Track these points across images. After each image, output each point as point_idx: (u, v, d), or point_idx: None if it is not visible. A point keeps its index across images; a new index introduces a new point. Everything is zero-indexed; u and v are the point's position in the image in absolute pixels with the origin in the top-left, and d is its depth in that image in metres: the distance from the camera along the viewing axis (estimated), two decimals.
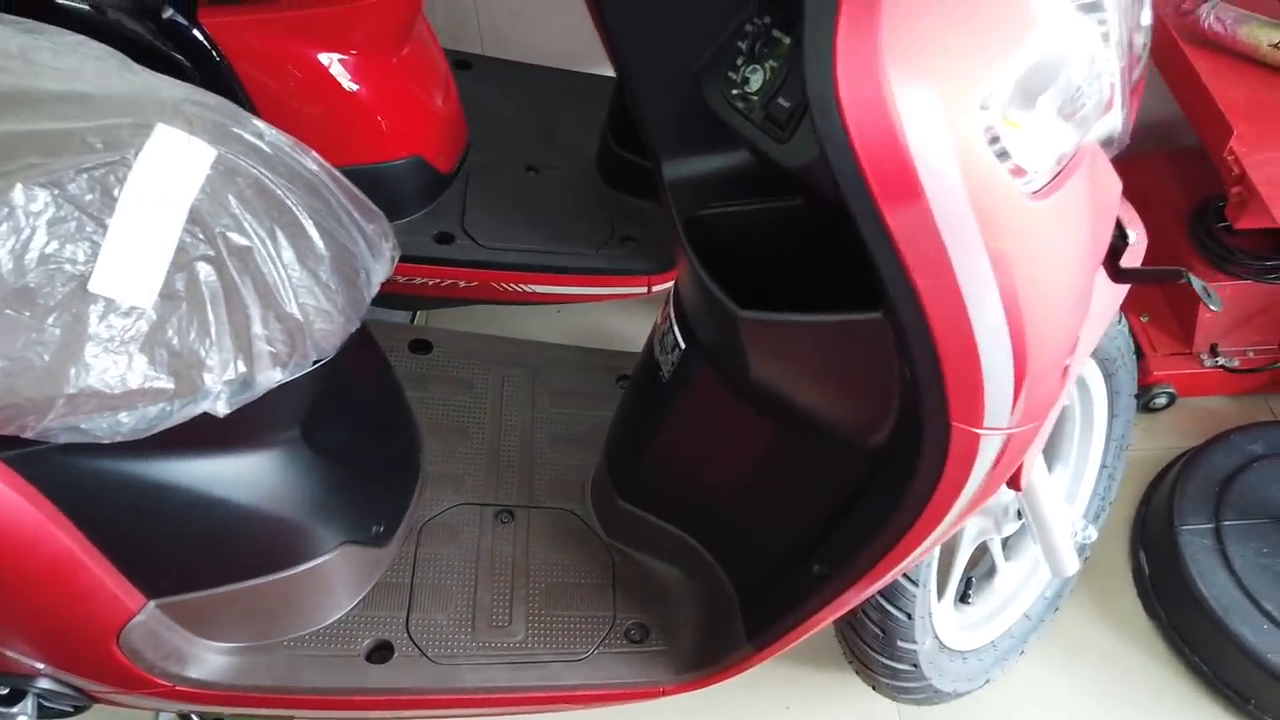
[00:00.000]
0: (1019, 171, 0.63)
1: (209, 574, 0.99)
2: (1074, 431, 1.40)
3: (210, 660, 1.03)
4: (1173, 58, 1.60)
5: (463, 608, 1.12)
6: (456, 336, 1.41)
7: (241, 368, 0.85)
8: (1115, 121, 0.73)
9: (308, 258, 0.87)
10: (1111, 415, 1.39)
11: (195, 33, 1.26)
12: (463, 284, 1.51)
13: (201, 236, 0.81)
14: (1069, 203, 0.68)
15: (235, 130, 0.85)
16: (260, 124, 0.88)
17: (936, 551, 1.19)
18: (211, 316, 0.82)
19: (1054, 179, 0.67)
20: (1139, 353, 1.76)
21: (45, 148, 0.77)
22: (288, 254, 0.85)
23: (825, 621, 1.01)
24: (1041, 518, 1.20)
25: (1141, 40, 0.75)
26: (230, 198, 0.82)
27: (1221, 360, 1.72)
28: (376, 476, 1.13)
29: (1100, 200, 0.75)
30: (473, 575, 1.15)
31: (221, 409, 0.85)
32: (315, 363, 0.91)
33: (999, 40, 0.60)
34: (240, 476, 0.96)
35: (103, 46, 0.91)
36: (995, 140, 0.61)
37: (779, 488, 0.99)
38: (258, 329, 0.85)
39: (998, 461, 0.78)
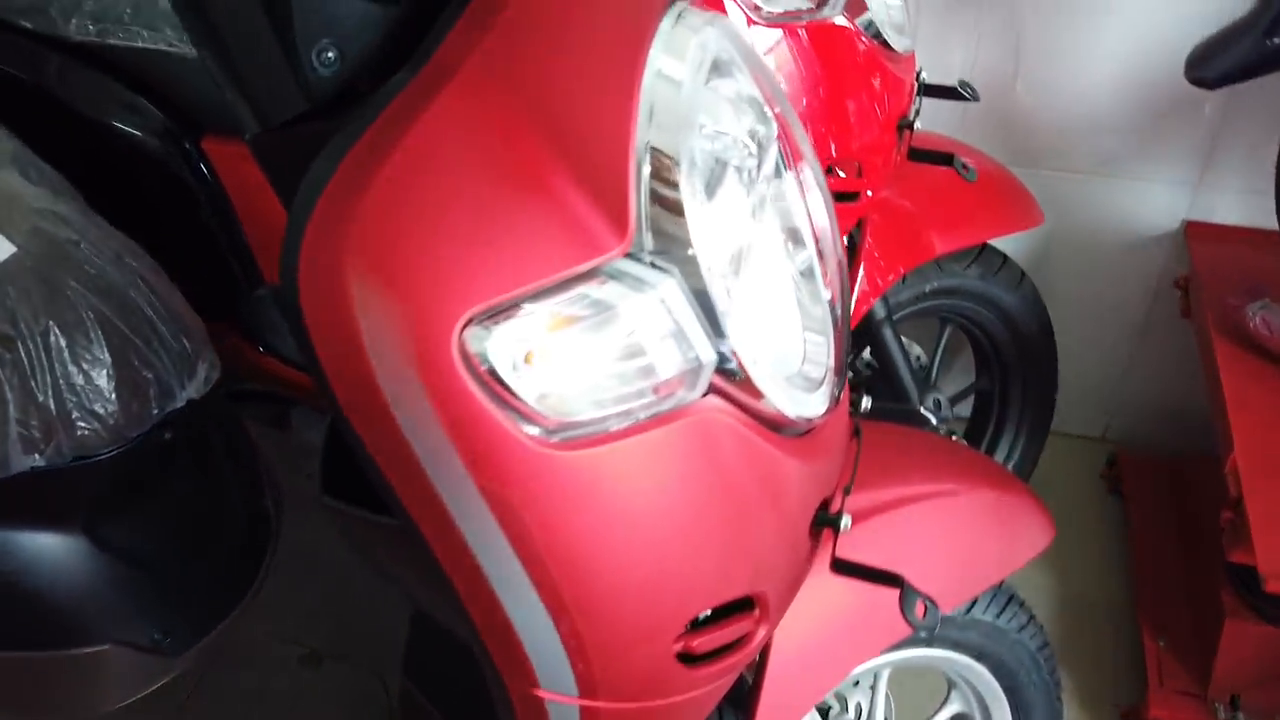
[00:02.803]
0: (539, 416, 0.58)
1: None
2: None
3: None
4: (1206, 355, 1.42)
5: None
6: None
7: None
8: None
9: (83, 359, 0.93)
10: None
11: (201, 162, 1.41)
12: None
13: None
14: (640, 462, 0.61)
15: (53, 232, 0.94)
16: (95, 230, 0.97)
17: None
18: None
19: (618, 431, 0.61)
20: (1145, 681, 1.51)
21: None
22: (61, 353, 0.92)
23: None
24: None
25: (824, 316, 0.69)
26: (10, 290, 0.90)
27: (1241, 716, 1.44)
28: (179, 586, 1.15)
29: (751, 472, 0.67)
30: (242, 715, 1.13)
31: None
32: (81, 459, 0.96)
33: (507, 271, 0.56)
34: (26, 551, 1.01)
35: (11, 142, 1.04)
36: (494, 373, 0.57)
37: None
38: (13, 412, 0.91)
39: None
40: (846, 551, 0.83)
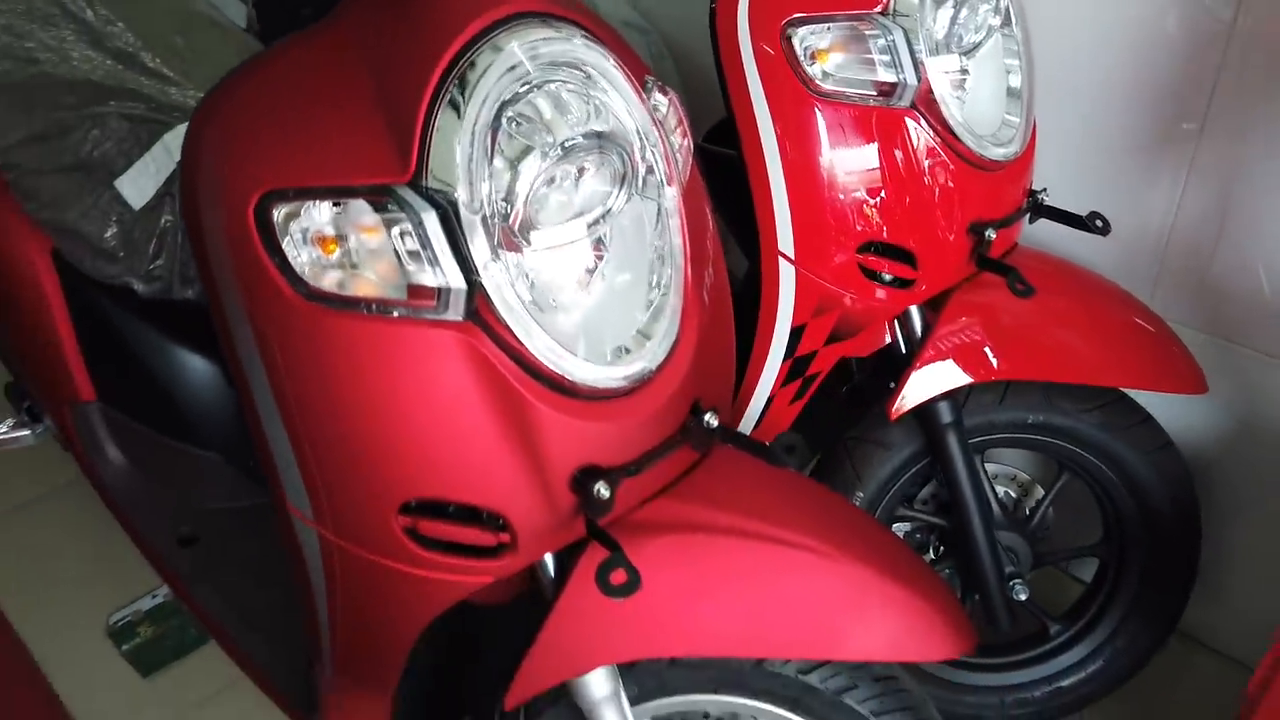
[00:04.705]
0: (305, 280, 0.77)
1: (134, 411, 1.43)
2: None
3: (116, 472, 1.47)
4: None
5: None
6: None
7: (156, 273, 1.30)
8: None
9: None
10: None
11: None
12: None
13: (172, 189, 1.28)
14: (382, 346, 0.77)
15: None
16: None
17: None
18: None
19: (374, 316, 0.77)
20: None
21: (149, 96, 1.32)
22: None
23: None
24: None
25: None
26: None
27: None
28: None
29: (488, 400, 0.79)
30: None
31: (142, 288, 1.30)
32: None
33: (312, 170, 0.76)
34: (171, 356, 1.39)
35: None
36: (277, 237, 0.77)
37: None
38: (180, 255, 1.28)
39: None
40: (647, 551, 0.90)
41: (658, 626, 0.93)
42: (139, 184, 1.28)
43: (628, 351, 0.86)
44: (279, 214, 0.78)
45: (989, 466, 1.58)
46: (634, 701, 1.03)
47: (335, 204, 0.77)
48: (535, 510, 0.86)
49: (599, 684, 0.97)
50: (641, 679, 1.04)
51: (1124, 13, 1.43)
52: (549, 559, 0.94)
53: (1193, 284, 1.53)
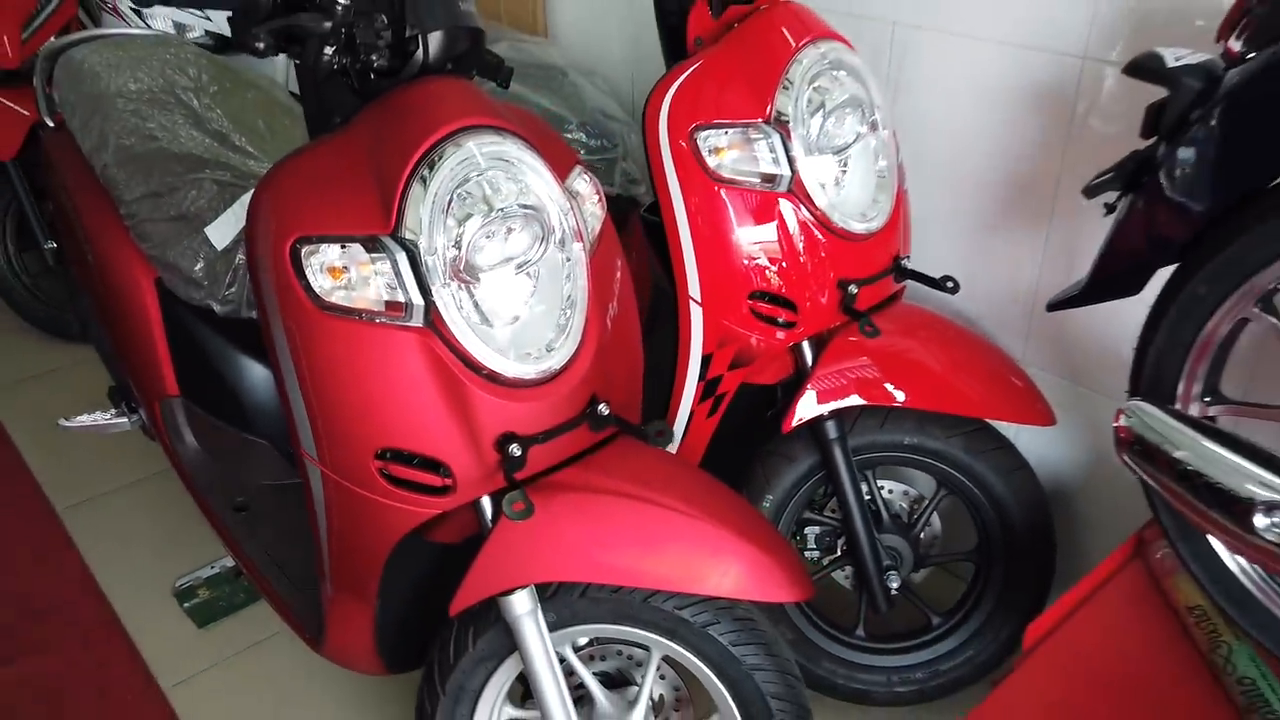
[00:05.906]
0: (319, 295, 1.17)
1: (207, 405, 1.85)
2: None
3: (190, 452, 1.89)
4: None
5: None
6: None
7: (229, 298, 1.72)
8: None
9: None
10: None
11: None
12: None
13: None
14: (365, 340, 1.16)
15: None
16: None
17: None
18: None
19: (363, 321, 1.17)
20: None
21: (234, 167, 1.76)
22: None
23: None
24: None
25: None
26: None
27: None
28: None
29: (437, 379, 1.19)
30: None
31: (219, 309, 1.73)
32: None
33: (327, 222, 1.16)
34: (237, 362, 1.81)
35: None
36: (303, 267, 1.17)
37: None
38: (249, 284, 1.71)
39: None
40: (555, 503, 1.27)
41: (561, 558, 1.29)
42: (222, 231, 1.72)
43: (541, 355, 1.24)
44: (305, 252, 1.18)
45: (887, 483, 1.91)
46: (553, 627, 1.39)
47: (342, 246, 1.18)
48: (469, 462, 1.23)
49: (520, 602, 1.32)
50: (558, 608, 1.40)
51: (986, 119, 1.80)
52: (486, 505, 1.31)
53: (1054, 338, 1.86)
